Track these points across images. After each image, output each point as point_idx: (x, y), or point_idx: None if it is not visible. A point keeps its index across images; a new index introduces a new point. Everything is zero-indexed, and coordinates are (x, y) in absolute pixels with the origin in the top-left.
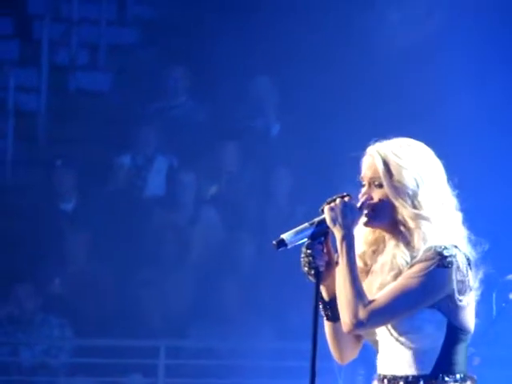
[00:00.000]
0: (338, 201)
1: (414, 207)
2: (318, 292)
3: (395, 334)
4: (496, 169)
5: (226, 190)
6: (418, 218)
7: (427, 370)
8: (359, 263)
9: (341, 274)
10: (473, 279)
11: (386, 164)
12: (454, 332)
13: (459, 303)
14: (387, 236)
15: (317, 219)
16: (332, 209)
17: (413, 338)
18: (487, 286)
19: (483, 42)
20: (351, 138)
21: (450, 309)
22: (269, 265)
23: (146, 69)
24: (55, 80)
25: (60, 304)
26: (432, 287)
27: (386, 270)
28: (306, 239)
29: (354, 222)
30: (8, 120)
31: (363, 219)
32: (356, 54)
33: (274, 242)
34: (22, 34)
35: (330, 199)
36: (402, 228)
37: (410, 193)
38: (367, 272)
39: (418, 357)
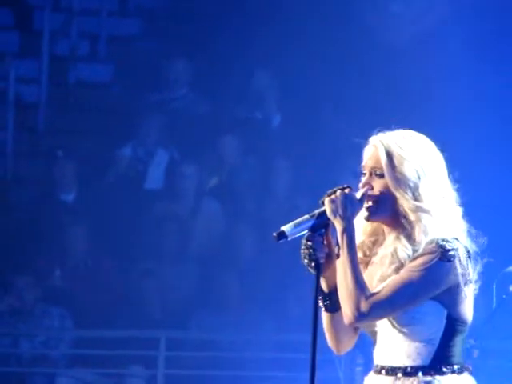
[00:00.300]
0: (338, 193)
1: (415, 199)
2: (318, 284)
3: (395, 325)
4: (495, 159)
5: (226, 182)
6: (418, 210)
7: (426, 361)
8: (358, 253)
9: (342, 266)
10: (472, 271)
11: (388, 154)
12: (453, 324)
13: (459, 296)
14: (387, 228)
15: (317, 211)
16: (332, 201)
17: (413, 329)
18: (487, 277)
19: (483, 35)
20: (352, 130)
21: (450, 301)
22: (269, 256)
23: (146, 60)
24: (56, 71)
25: (60, 295)
26: (434, 280)
27: (387, 263)
28: (306, 231)
29: (355, 213)
30: (8, 111)
31: (365, 214)
32: (357, 46)
33: (275, 234)
34: (22, 25)
35: (330, 191)
36: (402, 221)
37: (411, 184)
38: (366, 263)
39: (417, 348)
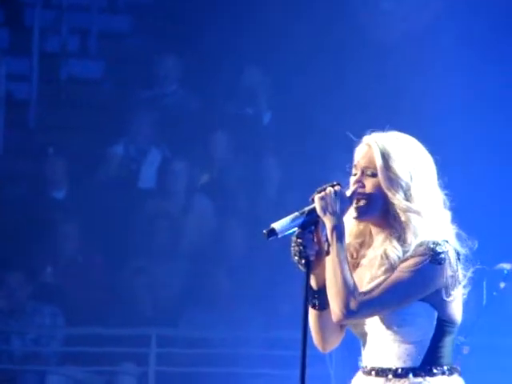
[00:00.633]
0: (328, 190)
1: (406, 200)
2: (308, 281)
3: (385, 326)
4: (490, 157)
5: (217, 179)
6: (408, 210)
7: (416, 363)
8: None
9: (331, 263)
10: (461, 273)
11: (382, 154)
12: (443, 325)
13: (449, 297)
14: (374, 229)
15: (307, 208)
16: (322, 198)
17: (403, 330)
18: (478, 275)
19: (477, 31)
20: (343, 127)
21: (439, 302)
22: (260, 254)
23: (136, 57)
24: (46, 68)
25: (52, 293)
26: (423, 282)
27: (377, 265)
28: (296, 228)
29: (344, 210)
30: None
31: (354, 213)
32: (348, 43)
33: (265, 232)
34: (12, 22)
35: (319, 188)
36: (392, 221)
37: (403, 185)
38: (353, 265)
39: (408, 349)
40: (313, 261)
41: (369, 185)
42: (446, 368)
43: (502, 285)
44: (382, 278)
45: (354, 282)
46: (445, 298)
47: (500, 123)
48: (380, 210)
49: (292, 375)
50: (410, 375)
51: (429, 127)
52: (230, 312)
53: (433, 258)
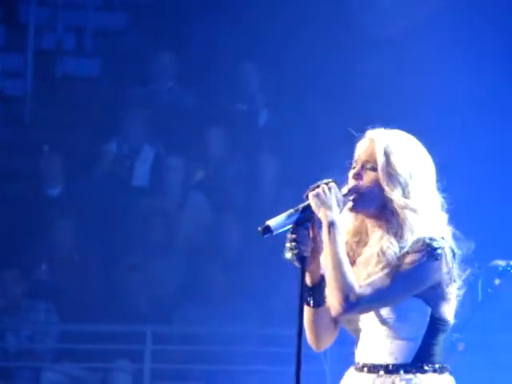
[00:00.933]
0: (322, 186)
1: (404, 196)
2: (303, 278)
3: (379, 321)
4: (487, 153)
5: (213, 176)
6: (406, 207)
7: (408, 359)
8: None
9: (329, 258)
10: (456, 270)
11: (385, 149)
12: (436, 323)
13: (443, 294)
14: (371, 226)
15: (301, 205)
16: (316, 195)
17: (397, 326)
18: (473, 271)
19: (475, 29)
20: (339, 124)
21: (433, 299)
22: (255, 250)
23: (132, 54)
24: (42, 65)
25: (46, 289)
26: (421, 278)
27: (374, 262)
28: (291, 225)
29: (339, 207)
30: None
31: (349, 204)
32: (345, 40)
33: (260, 229)
34: (7, 19)
35: (314, 185)
36: (389, 217)
37: (402, 181)
38: (350, 263)
39: (400, 345)
40: (307, 257)
41: (367, 178)
42: (437, 366)
43: (497, 281)
44: (380, 274)
45: (353, 277)
46: (439, 295)
47: (500, 120)
48: (377, 205)
49: (287, 372)
50: (401, 371)
51: (427, 125)
52: (225, 308)
53: (430, 254)
